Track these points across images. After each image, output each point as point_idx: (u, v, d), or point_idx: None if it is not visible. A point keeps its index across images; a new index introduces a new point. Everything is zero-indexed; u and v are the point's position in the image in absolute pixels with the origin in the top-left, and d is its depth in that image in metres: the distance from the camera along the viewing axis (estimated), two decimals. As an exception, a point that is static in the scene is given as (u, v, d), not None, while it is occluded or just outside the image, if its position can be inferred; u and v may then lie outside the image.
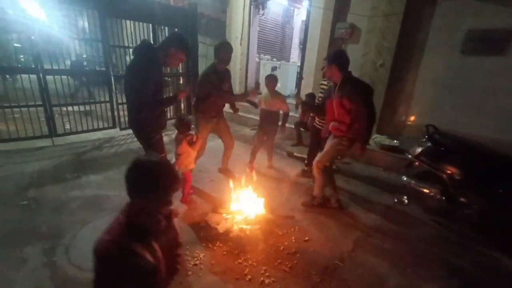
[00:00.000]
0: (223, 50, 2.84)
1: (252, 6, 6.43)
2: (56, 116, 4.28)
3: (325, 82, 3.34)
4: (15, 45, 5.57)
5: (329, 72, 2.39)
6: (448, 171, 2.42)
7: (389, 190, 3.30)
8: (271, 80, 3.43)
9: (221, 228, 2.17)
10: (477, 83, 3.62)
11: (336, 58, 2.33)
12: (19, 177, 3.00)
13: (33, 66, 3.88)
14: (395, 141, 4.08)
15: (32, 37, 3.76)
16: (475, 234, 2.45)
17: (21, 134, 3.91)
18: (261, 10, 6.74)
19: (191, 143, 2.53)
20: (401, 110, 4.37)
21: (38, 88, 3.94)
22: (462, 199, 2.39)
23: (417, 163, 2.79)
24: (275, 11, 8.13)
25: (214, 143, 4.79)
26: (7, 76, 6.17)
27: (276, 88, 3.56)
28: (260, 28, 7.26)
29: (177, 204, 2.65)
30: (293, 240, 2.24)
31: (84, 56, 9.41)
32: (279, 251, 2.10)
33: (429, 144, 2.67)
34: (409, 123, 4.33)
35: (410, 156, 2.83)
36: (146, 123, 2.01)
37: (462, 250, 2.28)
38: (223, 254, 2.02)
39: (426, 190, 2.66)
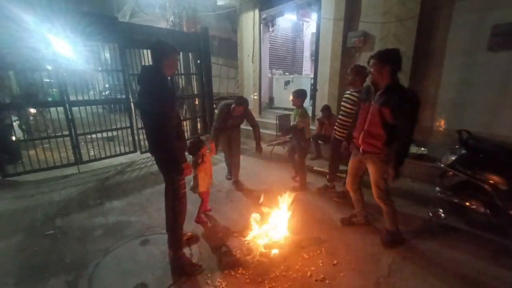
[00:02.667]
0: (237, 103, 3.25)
1: (261, 24, 6.57)
2: (82, 143, 4.50)
3: (354, 93, 2.88)
4: (46, 80, 6.08)
5: (378, 73, 1.98)
6: (491, 181, 2.17)
7: (421, 203, 3.03)
8: (294, 96, 3.29)
9: (242, 254, 2.06)
10: (509, 79, 3.33)
11: (392, 58, 1.95)
12: (47, 206, 3.11)
13: (59, 99, 4.15)
14: (423, 148, 3.80)
15: (62, 72, 4.05)
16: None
17: (50, 164, 4.13)
18: (270, 27, 6.87)
19: (203, 155, 2.52)
20: (426, 116, 4.10)
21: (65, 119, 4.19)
22: (512, 212, 2.11)
23: (451, 173, 2.55)
24: (285, 27, 8.26)
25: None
26: (40, 109, 6.74)
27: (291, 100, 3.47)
28: (270, 45, 7.38)
29: (193, 227, 2.60)
30: (321, 264, 2.07)
31: (107, 85, 10.11)
32: (306, 277, 1.94)
33: (464, 151, 2.44)
34: (437, 129, 4.04)
35: (442, 165, 2.59)
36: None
37: (519, 271, 1.98)
38: (246, 282, 1.90)
39: (466, 203, 2.40)
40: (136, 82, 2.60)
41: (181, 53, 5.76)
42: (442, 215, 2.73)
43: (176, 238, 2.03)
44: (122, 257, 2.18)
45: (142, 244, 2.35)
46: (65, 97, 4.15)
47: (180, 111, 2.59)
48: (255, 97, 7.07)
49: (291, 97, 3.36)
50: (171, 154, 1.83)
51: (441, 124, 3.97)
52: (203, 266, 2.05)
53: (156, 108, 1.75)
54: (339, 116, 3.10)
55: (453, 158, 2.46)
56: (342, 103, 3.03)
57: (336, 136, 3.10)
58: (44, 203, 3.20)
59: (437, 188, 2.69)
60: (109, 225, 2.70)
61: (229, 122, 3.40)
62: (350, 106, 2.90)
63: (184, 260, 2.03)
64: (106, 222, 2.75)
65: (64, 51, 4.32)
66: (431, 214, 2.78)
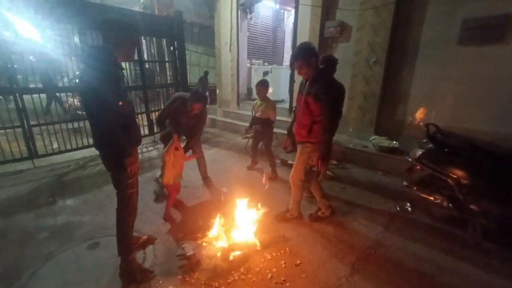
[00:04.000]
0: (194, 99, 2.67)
1: (239, 10, 6.27)
2: (39, 136, 4.10)
3: None
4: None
5: (299, 68, 2.11)
6: (454, 175, 2.15)
7: (391, 197, 3.03)
8: (260, 87, 3.43)
9: (199, 257, 1.91)
10: (478, 74, 3.35)
11: (307, 52, 2.07)
12: (-11, 205, 2.79)
13: (8, 86, 3.71)
14: (395, 142, 3.80)
15: (9, 55, 3.61)
16: (493, 245, 2.15)
17: (-1, 158, 3.73)
18: (249, 14, 6.58)
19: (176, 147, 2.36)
20: (399, 109, 4.10)
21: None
22: (473, 206, 2.10)
23: (418, 167, 2.52)
24: (265, 15, 7.98)
25: (205, 154, 4.57)
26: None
27: (270, 93, 3.48)
28: (250, 33, 7.10)
29: (154, 228, 2.41)
30: (283, 265, 1.97)
31: (77, 72, 9.37)
32: (266, 280, 1.83)
33: (430, 145, 2.40)
34: (409, 122, 4.05)
35: (410, 159, 2.56)
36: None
37: (479, 266, 1.99)
38: (200, 288, 1.76)
39: (430, 197, 2.38)
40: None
41: (153, 38, 5.42)
42: (409, 209, 2.73)
43: (125, 242, 1.83)
44: (65, 263, 1.96)
45: (91, 247, 2.13)
46: (14, 84, 3.72)
47: (131, 100, 2.29)
48: (234, 87, 6.83)
49: (270, 90, 3.29)
50: (114, 147, 1.62)
51: (413, 117, 3.97)
52: (156, 271, 1.89)
53: (98, 94, 1.51)
54: None
55: (420, 152, 2.42)
56: None
57: None
58: (-14, 202, 2.86)
59: (405, 182, 2.67)
60: (57, 226, 2.45)
61: (182, 121, 2.80)
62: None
63: (134, 266, 1.84)
64: (54, 223, 2.49)
65: (28, 34, 3.86)
66: (398, 208, 2.77)
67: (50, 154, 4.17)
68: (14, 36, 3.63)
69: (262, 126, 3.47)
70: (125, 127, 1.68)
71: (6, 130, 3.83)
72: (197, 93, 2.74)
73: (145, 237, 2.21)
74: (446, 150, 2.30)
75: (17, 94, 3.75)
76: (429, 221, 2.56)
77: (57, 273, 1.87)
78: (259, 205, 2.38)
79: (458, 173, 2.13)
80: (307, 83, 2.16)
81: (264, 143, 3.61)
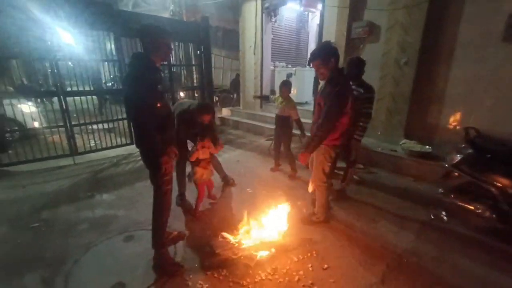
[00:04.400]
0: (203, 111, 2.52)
1: (264, 13, 6.34)
2: (79, 134, 4.45)
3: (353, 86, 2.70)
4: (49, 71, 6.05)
5: (317, 67, 2.09)
6: (499, 184, 1.99)
7: (423, 204, 2.87)
8: (284, 87, 3.49)
9: (227, 255, 1.96)
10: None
11: (326, 51, 2.05)
12: (37, 197, 3.07)
13: (54, 89, 4.07)
14: (427, 146, 3.61)
15: (56, 62, 3.97)
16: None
17: (45, 154, 4.09)
18: (273, 17, 6.62)
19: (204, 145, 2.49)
20: (432, 112, 3.89)
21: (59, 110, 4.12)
22: (520, 218, 1.94)
23: (456, 173, 2.37)
24: (289, 17, 7.98)
25: (229, 155, 4.67)
26: (44, 100, 6.73)
27: (294, 95, 3.52)
28: (273, 36, 7.14)
29: (184, 224, 2.51)
30: (310, 269, 1.95)
31: (111, 76, 10.03)
32: (293, 282, 1.83)
33: (470, 150, 2.25)
34: (443, 125, 3.82)
35: (447, 165, 2.42)
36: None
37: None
38: (228, 285, 1.79)
39: (470, 206, 2.23)
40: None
41: (181, 43, 5.66)
42: (444, 217, 2.57)
43: (158, 236, 1.93)
44: (103, 253, 2.11)
45: (126, 240, 2.27)
46: (60, 88, 4.08)
47: (169, 102, 2.40)
48: (257, 90, 6.89)
49: (294, 90, 3.32)
50: (151, 145, 1.74)
51: (448, 121, 3.74)
52: (186, 265, 1.96)
53: (138, 96, 1.64)
54: None
55: (459, 157, 2.28)
56: None
57: (356, 137, 2.92)
58: (34, 194, 3.15)
59: (440, 189, 2.53)
60: (95, 219, 2.64)
61: (191, 132, 2.62)
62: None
63: (165, 260, 1.93)
64: (92, 216, 2.68)
65: (68, 41, 4.24)
66: (432, 216, 2.62)
67: (88, 152, 4.50)
68: (57, 44, 3.98)
69: (281, 124, 3.55)
70: (162, 128, 1.79)
71: (52, 129, 4.21)
72: (204, 105, 2.61)
73: (176, 232, 2.30)
74: (488, 156, 2.14)
75: (61, 97, 4.11)
76: (468, 231, 2.39)
77: (96, 262, 2.01)
78: (283, 206, 2.38)
79: (504, 181, 1.98)
80: (321, 85, 2.17)
81: (283, 141, 3.63)
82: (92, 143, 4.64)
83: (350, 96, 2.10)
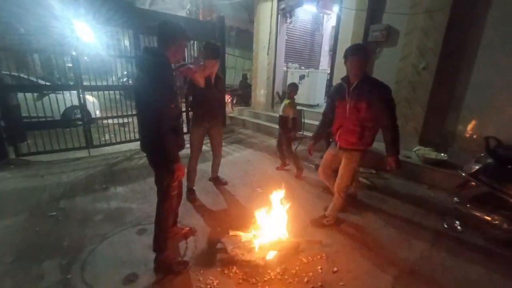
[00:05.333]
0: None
1: (279, 15, 6.34)
2: (95, 128, 4.59)
3: None
4: (68, 65, 6.25)
5: (358, 65, 2.07)
6: (520, 196, 1.94)
7: (437, 213, 2.81)
8: (292, 88, 3.66)
9: (238, 252, 1.98)
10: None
11: (359, 51, 2.08)
12: (54, 187, 3.18)
13: (72, 84, 4.21)
14: (443, 154, 3.52)
15: (77, 57, 4.10)
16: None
17: (62, 146, 4.23)
18: (288, 18, 6.62)
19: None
20: (449, 118, 3.79)
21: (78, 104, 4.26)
22: (541, 232, 1.88)
23: (473, 183, 2.31)
24: (304, 19, 7.94)
25: (239, 155, 4.71)
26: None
27: (305, 97, 3.59)
28: (288, 37, 7.13)
29: (195, 220, 2.55)
30: (320, 271, 1.95)
31: (125, 72, 10.27)
32: (303, 283, 1.83)
33: (490, 160, 2.20)
34: (460, 133, 3.72)
35: (464, 174, 2.36)
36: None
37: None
38: (239, 282, 1.82)
39: (487, 217, 2.17)
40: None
41: (195, 41, 5.75)
42: (459, 227, 2.51)
43: (161, 240, 1.88)
44: (118, 244, 2.17)
45: (139, 233, 2.33)
46: (79, 82, 4.21)
47: (180, 103, 2.36)
48: (269, 91, 6.90)
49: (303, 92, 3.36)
50: (165, 150, 1.65)
51: (466, 129, 3.65)
52: (197, 261, 1.99)
53: (155, 96, 1.56)
54: None
55: (477, 167, 2.23)
56: None
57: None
58: (52, 184, 3.27)
59: (456, 199, 2.47)
60: (110, 210, 2.71)
61: (198, 90, 2.64)
62: None
63: (169, 261, 1.91)
64: (108, 207, 2.76)
65: (86, 37, 4.37)
66: (446, 226, 2.56)
67: (103, 145, 4.63)
68: (76, 39, 4.10)
69: (282, 125, 3.62)
70: (174, 130, 1.70)
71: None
72: (209, 44, 2.63)
73: (187, 228, 2.34)
74: (509, 166, 2.08)
75: (79, 90, 4.24)
76: (483, 243, 2.33)
77: (112, 253, 2.07)
78: (293, 207, 2.37)
79: (525, 193, 1.92)
80: (353, 87, 2.11)
81: (284, 144, 3.73)
82: (105, 138, 4.76)
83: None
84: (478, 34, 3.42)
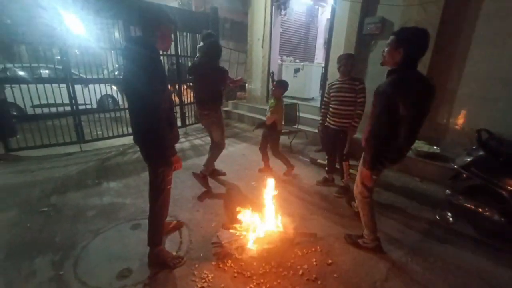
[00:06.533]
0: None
1: (273, 6, 6.24)
2: (86, 122, 4.48)
3: (348, 81, 2.80)
4: (57, 57, 6.05)
5: (389, 56, 1.69)
6: (510, 187, 1.97)
7: (429, 205, 2.86)
8: (277, 85, 3.21)
9: (233, 246, 1.98)
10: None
11: (408, 39, 1.61)
12: (45, 182, 3.12)
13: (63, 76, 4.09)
14: (435, 147, 3.57)
15: (66, 49, 3.97)
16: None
17: (52, 141, 4.13)
18: (283, 10, 6.53)
19: None
20: (442, 111, 3.83)
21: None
22: (529, 223, 1.92)
23: (465, 175, 2.35)
24: (298, 11, 7.86)
25: (234, 149, 4.68)
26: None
27: (302, 90, 3.35)
28: (282, 29, 7.05)
29: (190, 214, 2.54)
30: (314, 263, 1.97)
31: (117, 65, 10.03)
32: (298, 275, 1.85)
33: (482, 152, 2.23)
34: (452, 126, 3.77)
35: (456, 166, 2.39)
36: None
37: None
38: (234, 276, 1.82)
39: (478, 209, 2.22)
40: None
41: (189, 34, 5.62)
42: (450, 219, 2.56)
43: (155, 233, 1.87)
44: (111, 240, 2.15)
45: (133, 228, 2.30)
46: (68, 75, 4.09)
47: (172, 95, 2.28)
48: (263, 84, 6.85)
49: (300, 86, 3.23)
50: (161, 143, 1.62)
51: (458, 121, 3.69)
52: (192, 255, 1.99)
53: (147, 88, 1.50)
54: (332, 105, 2.91)
55: (469, 159, 2.26)
56: (334, 93, 2.88)
57: (331, 126, 2.93)
58: (43, 179, 3.20)
59: (447, 191, 2.51)
60: (103, 206, 2.68)
61: (197, 85, 2.98)
62: (346, 94, 2.79)
63: (164, 255, 1.90)
64: (100, 203, 2.72)
65: (76, 29, 4.22)
66: (438, 217, 2.61)
67: (95, 140, 4.54)
68: (65, 31, 3.95)
69: (268, 126, 3.26)
70: (168, 122, 1.66)
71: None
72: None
73: (174, 222, 2.33)
74: (500, 159, 2.11)
75: (69, 84, 4.12)
76: (474, 234, 2.38)
77: (105, 248, 2.05)
78: (288, 200, 2.39)
79: (514, 184, 1.96)
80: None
81: (270, 145, 3.39)
82: (97, 132, 4.66)
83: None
84: (470, 29, 3.43)
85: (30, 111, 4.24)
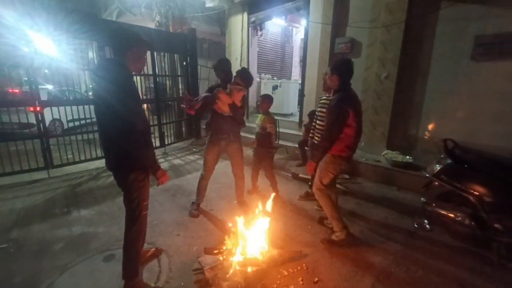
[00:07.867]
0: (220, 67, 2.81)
1: (250, 27, 6.49)
2: (55, 146, 4.20)
3: (324, 97, 2.95)
4: (24, 79, 5.73)
5: (329, 82, 2.36)
6: (476, 192, 2.09)
7: (407, 213, 2.96)
8: (264, 100, 3.16)
9: (215, 272, 1.88)
10: (493, 89, 3.35)
11: (337, 66, 2.24)
12: (6, 215, 2.83)
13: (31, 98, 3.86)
14: (408, 156, 3.76)
15: (33, 70, 3.78)
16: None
17: (16, 168, 3.81)
18: (259, 31, 6.79)
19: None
20: (412, 123, 4.09)
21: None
22: (497, 225, 2.03)
23: (436, 183, 2.47)
24: (274, 31, 8.22)
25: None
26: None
27: (279, 107, 3.34)
28: (259, 49, 7.30)
29: (169, 240, 2.40)
30: (301, 282, 1.92)
31: (90, 86, 9.72)
32: (284, 297, 1.78)
33: (449, 160, 2.36)
34: (422, 136, 4.02)
35: (427, 174, 2.51)
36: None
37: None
38: (217, 304, 1.72)
39: (450, 214, 2.31)
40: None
41: (167, 53, 5.63)
42: (427, 226, 2.64)
43: (130, 264, 1.74)
44: (81, 275, 1.95)
45: (106, 259, 2.12)
46: (36, 98, 3.87)
47: (147, 116, 2.24)
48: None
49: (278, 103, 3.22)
50: (145, 157, 1.61)
51: (426, 132, 3.95)
52: (172, 285, 1.86)
53: (124, 108, 1.46)
54: (318, 122, 2.95)
55: (438, 167, 2.38)
56: (320, 109, 2.91)
57: (316, 142, 2.99)
58: (3, 211, 2.90)
59: (422, 198, 2.61)
60: (72, 237, 2.46)
61: (217, 122, 2.74)
62: (322, 110, 2.81)
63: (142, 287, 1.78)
64: (69, 234, 2.50)
65: (47, 49, 4.06)
66: (416, 225, 2.69)
67: (65, 165, 4.25)
68: (34, 52, 3.80)
69: (261, 144, 3.15)
70: (146, 143, 1.62)
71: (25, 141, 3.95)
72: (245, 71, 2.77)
73: (153, 249, 2.19)
74: (466, 166, 2.26)
75: (37, 106, 3.89)
76: (450, 239, 2.47)
77: (73, 286, 1.85)
78: (272, 219, 2.34)
79: (481, 190, 2.08)
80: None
81: (264, 165, 3.25)
82: (68, 156, 4.38)
83: (351, 109, 2.14)
84: (430, 47, 3.78)
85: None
